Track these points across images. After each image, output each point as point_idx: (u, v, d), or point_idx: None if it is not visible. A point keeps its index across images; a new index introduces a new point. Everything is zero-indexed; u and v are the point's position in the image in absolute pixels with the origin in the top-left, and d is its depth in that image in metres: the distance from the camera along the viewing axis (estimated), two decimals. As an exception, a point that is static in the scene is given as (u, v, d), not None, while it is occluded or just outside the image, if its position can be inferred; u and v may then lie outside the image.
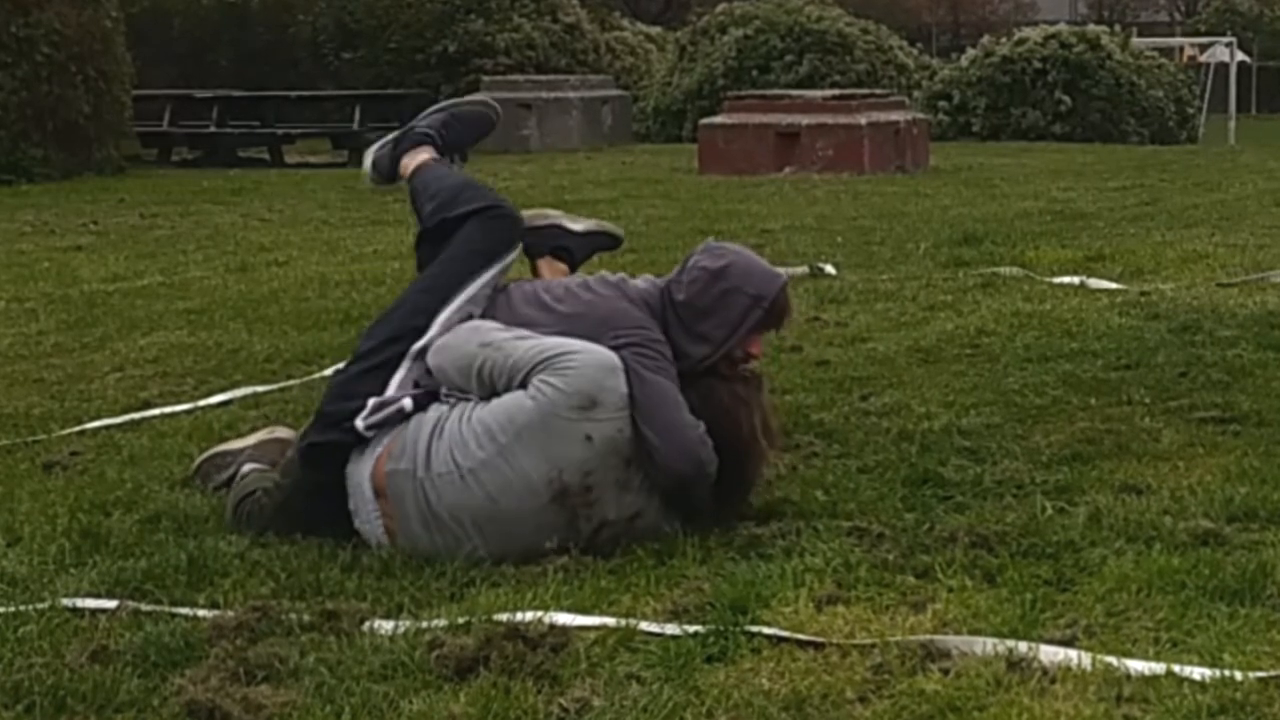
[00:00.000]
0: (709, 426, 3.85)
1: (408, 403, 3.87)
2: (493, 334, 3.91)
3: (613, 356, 3.79)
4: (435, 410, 3.86)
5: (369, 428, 3.85)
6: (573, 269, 4.60)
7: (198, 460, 4.50)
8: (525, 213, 4.53)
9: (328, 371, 5.67)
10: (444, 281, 4.13)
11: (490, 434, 3.72)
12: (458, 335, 3.95)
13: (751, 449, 3.95)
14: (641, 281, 4.20)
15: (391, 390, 3.93)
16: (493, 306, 4.14)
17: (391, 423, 3.85)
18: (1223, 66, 32.16)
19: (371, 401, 3.88)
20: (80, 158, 16.62)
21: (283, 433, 4.54)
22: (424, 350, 3.99)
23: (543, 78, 22.29)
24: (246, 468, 4.27)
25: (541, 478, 3.69)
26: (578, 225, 4.66)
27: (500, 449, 3.70)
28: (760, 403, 4.00)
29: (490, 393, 3.81)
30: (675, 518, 3.87)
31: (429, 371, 3.96)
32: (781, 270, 4.33)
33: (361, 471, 3.85)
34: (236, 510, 4.03)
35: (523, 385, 3.76)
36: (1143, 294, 7.34)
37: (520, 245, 4.33)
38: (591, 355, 3.78)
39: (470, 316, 4.07)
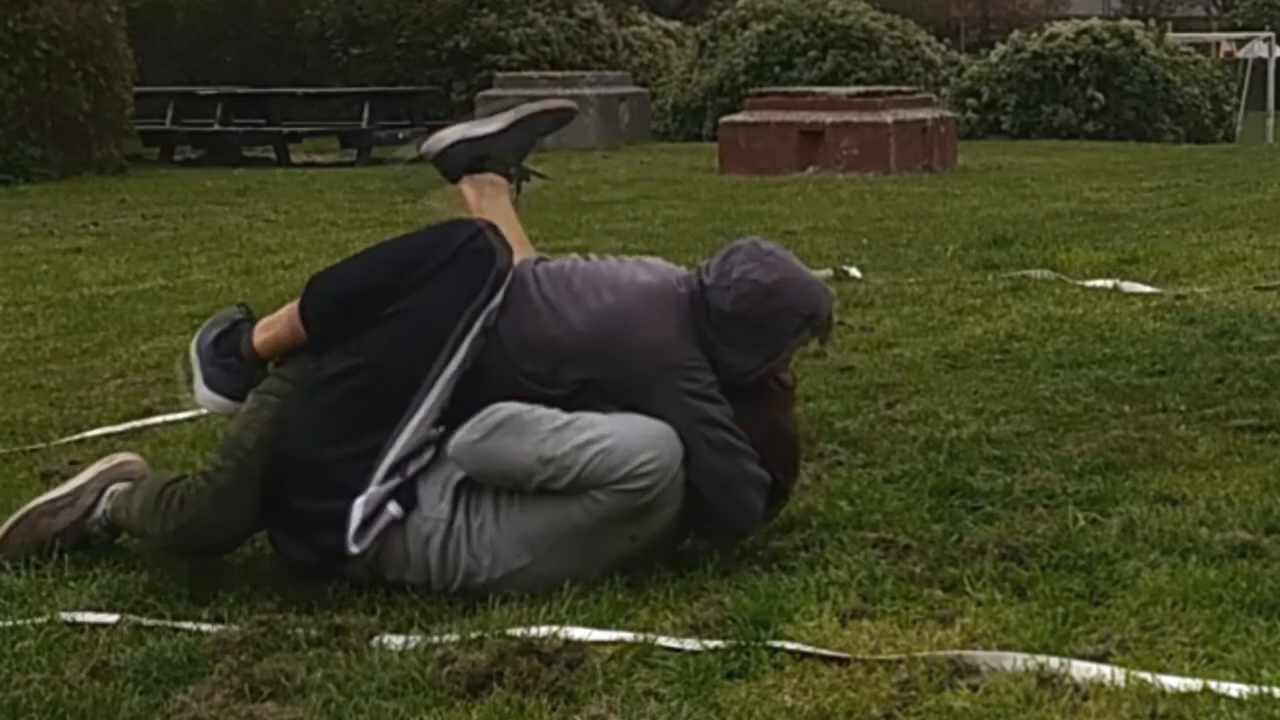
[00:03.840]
0: (760, 448, 3.68)
1: (396, 510, 3.57)
2: (547, 442, 3.50)
3: (679, 459, 3.54)
4: (428, 518, 3.57)
5: (360, 546, 3.57)
6: (516, 180, 4.10)
7: (3, 528, 3.84)
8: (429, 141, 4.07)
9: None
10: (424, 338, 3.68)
11: (528, 542, 3.53)
12: (502, 442, 3.55)
13: (796, 468, 3.88)
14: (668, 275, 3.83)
15: (378, 479, 3.57)
16: (518, 313, 3.68)
17: (387, 534, 3.58)
18: (1261, 62, 31.93)
19: (355, 521, 3.54)
20: (80, 157, 16.48)
21: (124, 457, 4.06)
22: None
23: (558, 74, 22.11)
24: (120, 486, 3.87)
25: (574, 572, 3.53)
26: (490, 126, 4.09)
27: (537, 557, 3.53)
28: (795, 413, 3.90)
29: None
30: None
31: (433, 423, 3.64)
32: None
33: (349, 567, 3.61)
34: (161, 496, 3.66)
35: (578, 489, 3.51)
36: (1178, 298, 7.27)
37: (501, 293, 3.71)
38: (664, 466, 3.52)
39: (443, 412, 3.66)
